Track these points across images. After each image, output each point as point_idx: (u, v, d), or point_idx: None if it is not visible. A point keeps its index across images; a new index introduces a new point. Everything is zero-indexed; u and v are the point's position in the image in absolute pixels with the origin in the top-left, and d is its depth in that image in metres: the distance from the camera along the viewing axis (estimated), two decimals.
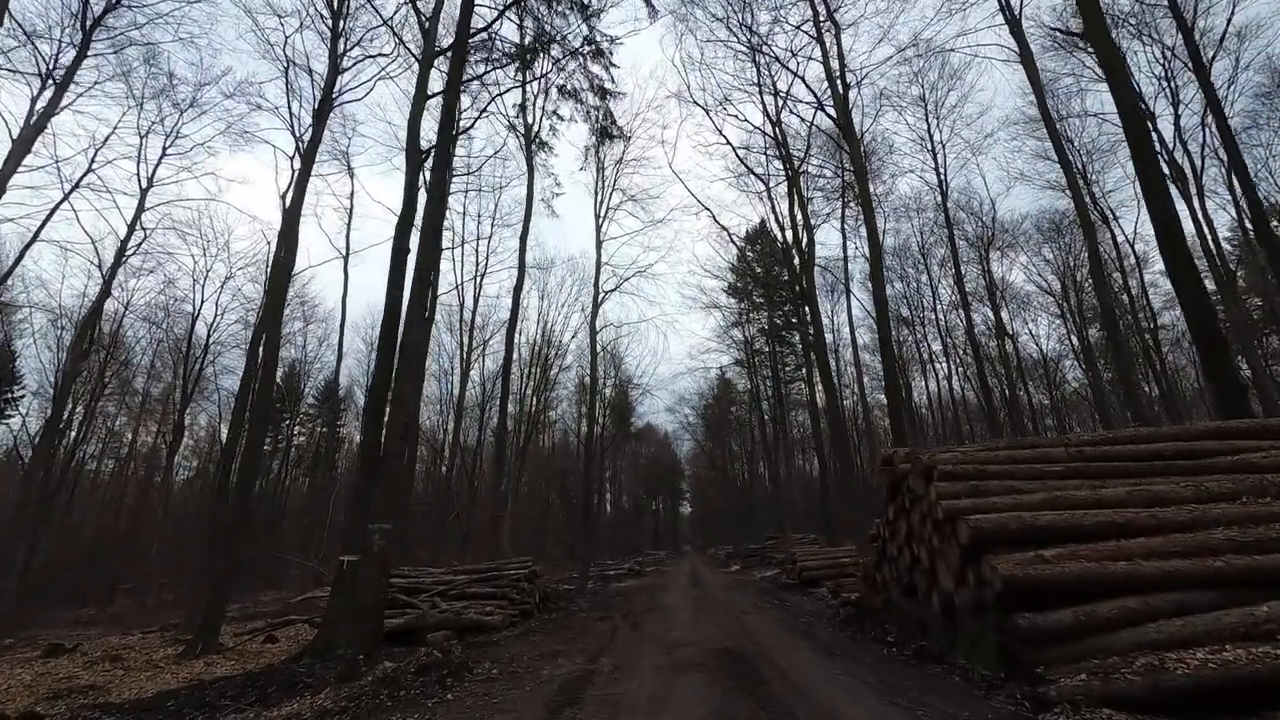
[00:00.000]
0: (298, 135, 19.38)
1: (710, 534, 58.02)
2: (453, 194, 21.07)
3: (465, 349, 24.68)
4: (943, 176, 22.64)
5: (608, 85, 14.97)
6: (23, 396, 31.35)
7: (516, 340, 31.28)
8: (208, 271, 27.18)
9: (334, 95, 14.50)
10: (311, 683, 6.05)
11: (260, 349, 12.55)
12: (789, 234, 17.50)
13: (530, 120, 17.31)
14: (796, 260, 15.97)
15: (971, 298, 32.54)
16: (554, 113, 16.45)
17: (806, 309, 15.47)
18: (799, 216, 16.73)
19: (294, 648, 9.62)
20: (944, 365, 33.13)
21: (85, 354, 17.31)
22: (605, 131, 16.04)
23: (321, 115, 14.25)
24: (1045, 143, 24.30)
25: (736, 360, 36.98)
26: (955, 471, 5.62)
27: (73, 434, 27.17)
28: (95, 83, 21.16)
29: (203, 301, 27.72)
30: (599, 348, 24.19)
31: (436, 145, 7.90)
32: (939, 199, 22.67)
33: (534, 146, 17.27)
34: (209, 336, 27.72)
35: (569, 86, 14.92)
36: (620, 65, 28.71)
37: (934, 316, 34.24)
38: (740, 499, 45.81)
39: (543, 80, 16.01)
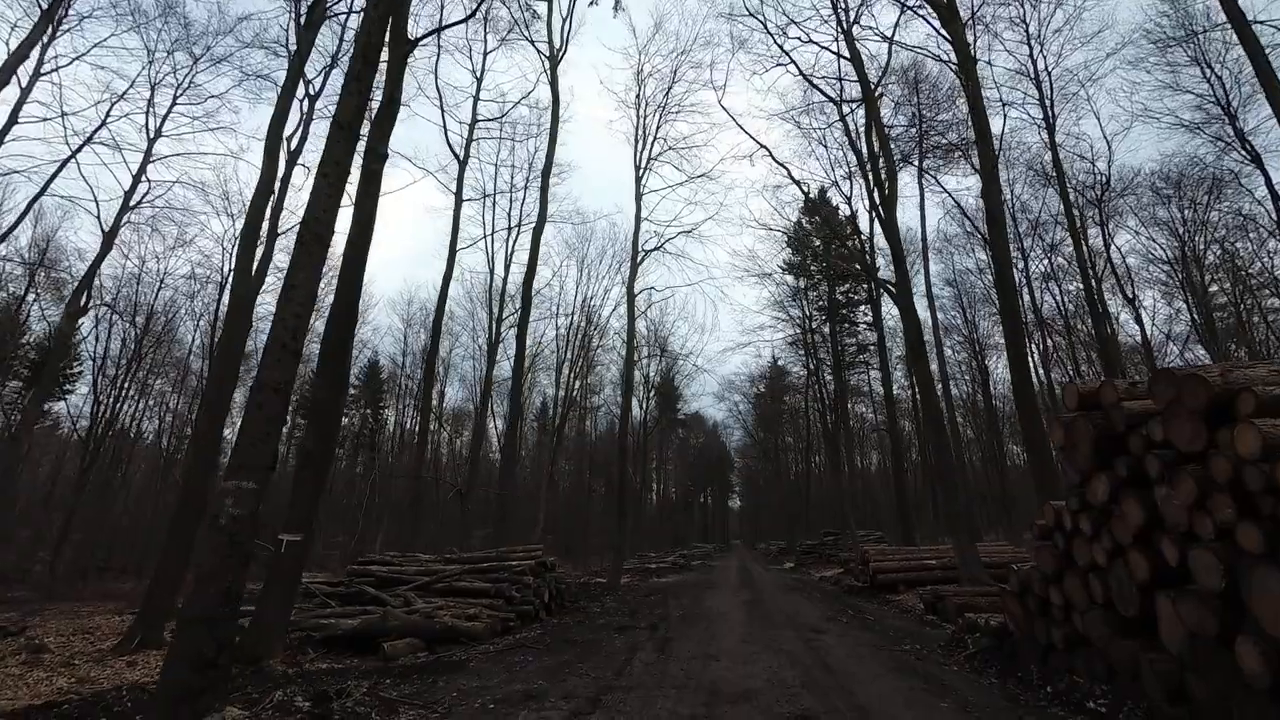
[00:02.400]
0: (308, 79, 17.74)
1: (760, 529, 55.03)
2: (477, 140, 18.98)
3: (495, 319, 22.59)
4: (1049, 111, 18.83)
5: None
6: (80, 373, 31.65)
7: (552, 313, 29.18)
8: (236, 237, 26.21)
9: (325, 3, 12.49)
10: None
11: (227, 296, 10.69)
12: (868, 173, 14.45)
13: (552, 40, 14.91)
14: (877, 195, 12.97)
15: (1062, 271, 28.15)
16: None
17: (888, 269, 12.43)
18: (875, 144, 13.71)
19: None
20: (1035, 344, 28.74)
21: (81, 312, 16.13)
22: None
23: (312, 25, 12.27)
24: (1177, 72, 20.10)
25: (791, 340, 33.59)
26: None
27: (107, 406, 26.72)
28: (112, 34, 20.21)
29: (230, 270, 26.80)
30: (641, 315, 21.77)
31: None
32: (1046, 138, 18.85)
33: (557, 66, 14.84)
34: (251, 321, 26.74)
35: None
36: None
37: (1025, 294, 29.83)
38: (794, 492, 42.57)
39: None
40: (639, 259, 18.49)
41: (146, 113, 18.43)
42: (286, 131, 12.49)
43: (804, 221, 31.47)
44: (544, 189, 15.45)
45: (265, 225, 12.57)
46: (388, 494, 31.72)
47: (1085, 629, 4.01)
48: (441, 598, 8.13)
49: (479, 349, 32.33)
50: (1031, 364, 29.52)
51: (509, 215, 22.33)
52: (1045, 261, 28.95)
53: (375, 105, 9.01)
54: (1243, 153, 19.94)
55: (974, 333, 34.47)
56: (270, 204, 12.52)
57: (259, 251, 11.58)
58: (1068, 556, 4.23)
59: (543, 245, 16.11)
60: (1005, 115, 19.37)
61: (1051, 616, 4.45)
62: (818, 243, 32.07)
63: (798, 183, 15.48)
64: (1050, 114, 18.72)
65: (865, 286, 30.68)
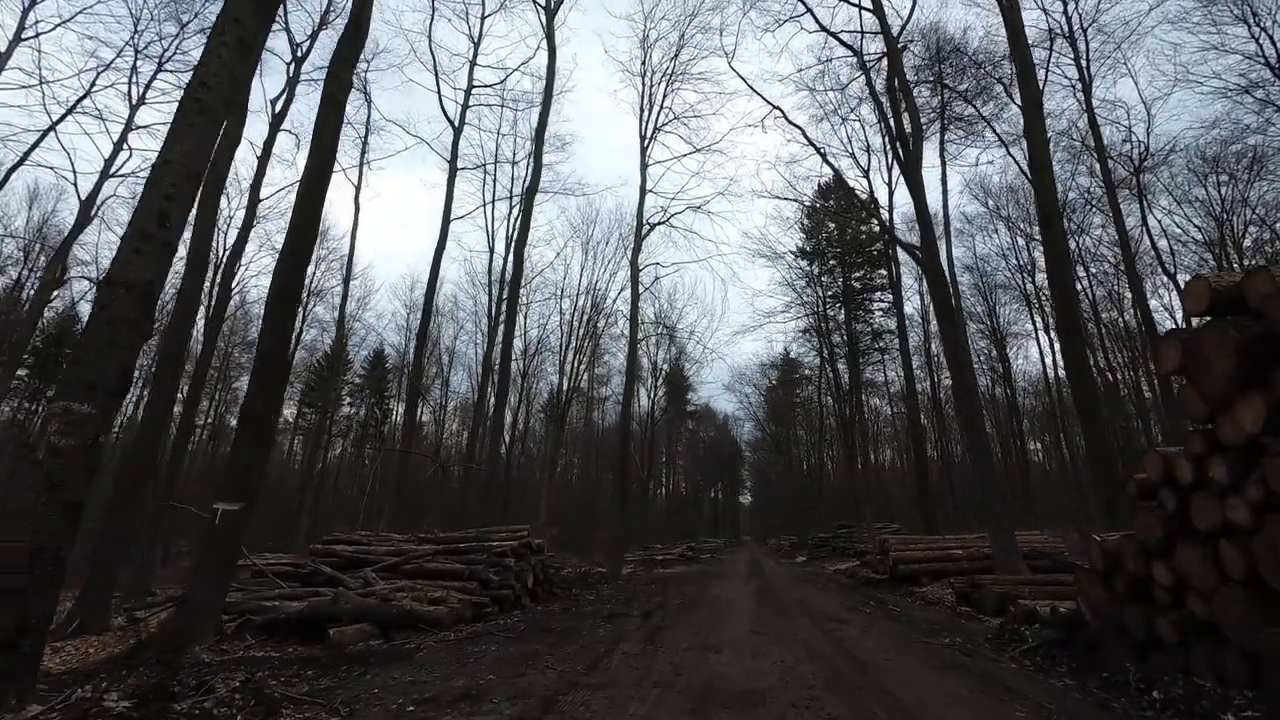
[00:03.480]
0: (294, 42, 16.92)
1: (771, 524, 53.85)
2: (473, 106, 18.02)
3: (495, 299, 21.66)
4: (1085, 72, 17.44)
5: None
6: None
7: (556, 296, 28.22)
8: (230, 218, 25.49)
9: None
10: None
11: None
12: (890, 128, 13.32)
13: None
14: (900, 148, 11.83)
15: (1089, 254, 26.68)
16: None
17: (906, 243, 11.23)
18: (899, 97, 12.55)
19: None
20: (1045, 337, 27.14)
21: (58, 283, 15.43)
22: None
23: None
24: (1221, 31, 18.57)
25: (804, 329, 32.28)
26: None
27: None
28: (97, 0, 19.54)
29: (226, 254, 26.11)
30: (646, 291, 20.70)
31: None
32: (1081, 101, 17.45)
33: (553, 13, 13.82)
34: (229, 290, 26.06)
35: None
36: None
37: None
38: (806, 486, 41.38)
39: None
40: (644, 232, 17.48)
41: (130, 80, 17.70)
42: (270, 95, 11.63)
43: (818, 205, 30.22)
44: (538, 146, 14.42)
45: (245, 199, 11.74)
46: (389, 483, 31.09)
47: (1213, 614, 2.95)
48: (410, 580, 7.19)
49: (481, 334, 31.48)
50: (1054, 357, 27.96)
51: (510, 191, 21.37)
52: (1072, 244, 27.47)
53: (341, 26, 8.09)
54: None
55: (994, 321, 32.91)
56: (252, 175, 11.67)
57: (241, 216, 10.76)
58: (1182, 519, 3.17)
59: (547, 226, 15.38)
60: (1047, 80, 18.02)
61: (1154, 600, 3.39)
62: (833, 227, 30.81)
63: (814, 146, 14.33)
64: (1086, 75, 17.33)
65: (883, 271, 29.41)
